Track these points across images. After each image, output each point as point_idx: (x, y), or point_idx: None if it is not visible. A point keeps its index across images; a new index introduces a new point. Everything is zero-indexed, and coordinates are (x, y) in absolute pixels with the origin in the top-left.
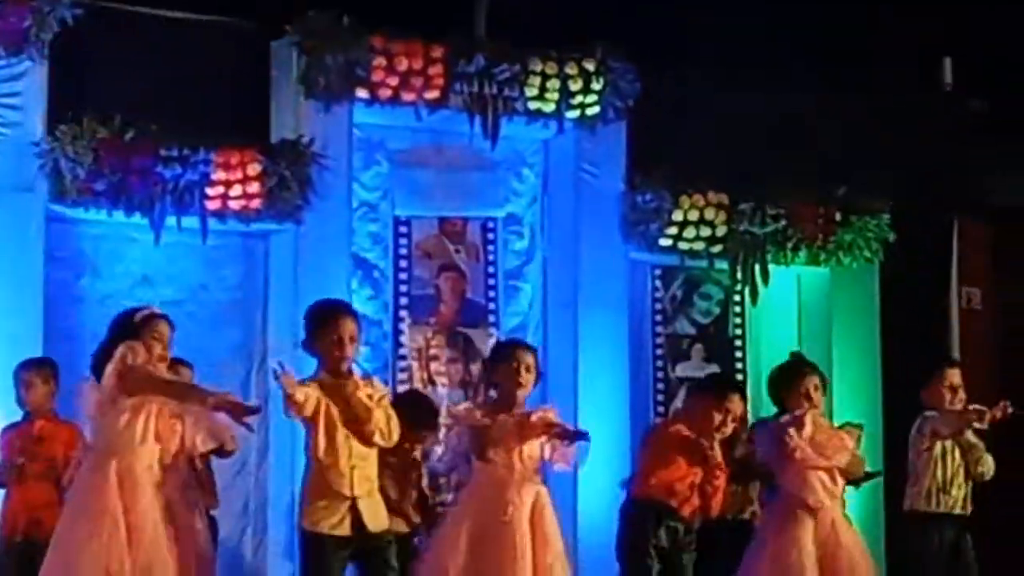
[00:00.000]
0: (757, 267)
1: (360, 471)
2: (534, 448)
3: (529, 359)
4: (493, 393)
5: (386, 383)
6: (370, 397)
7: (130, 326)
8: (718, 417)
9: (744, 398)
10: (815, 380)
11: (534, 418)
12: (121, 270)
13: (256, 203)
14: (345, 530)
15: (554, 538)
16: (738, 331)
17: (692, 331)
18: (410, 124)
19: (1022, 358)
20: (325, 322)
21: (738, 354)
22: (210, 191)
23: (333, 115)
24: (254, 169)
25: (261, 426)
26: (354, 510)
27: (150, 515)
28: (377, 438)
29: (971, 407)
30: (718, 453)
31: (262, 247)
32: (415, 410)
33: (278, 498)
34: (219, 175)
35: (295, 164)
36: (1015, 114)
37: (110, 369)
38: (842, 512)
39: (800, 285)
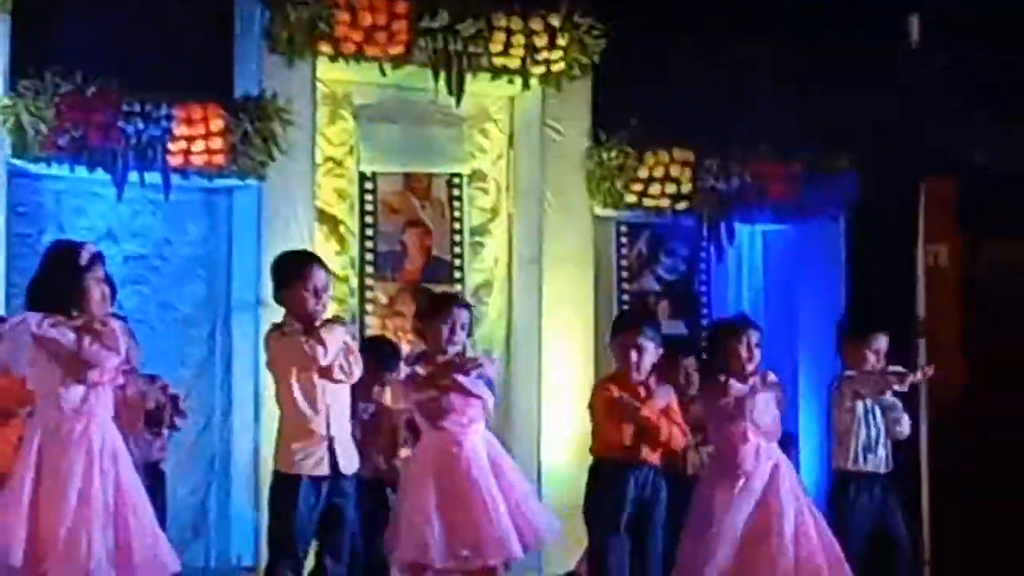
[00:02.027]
0: (723, 224)
1: (334, 410)
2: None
3: (464, 317)
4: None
5: (354, 338)
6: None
7: (75, 266)
8: (633, 355)
9: (654, 328)
10: (755, 336)
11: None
12: (84, 225)
13: (219, 159)
14: (324, 470)
15: (518, 478)
16: (703, 288)
17: (658, 288)
18: (375, 79)
19: (987, 316)
20: (297, 273)
21: (703, 311)
22: (172, 146)
23: (297, 70)
24: (217, 124)
25: (224, 382)
26: (331, 450)
27: (73, 478)
28: (337, 374)
29: (892, 369)
30: (653, 402)
31: (225, 203)
32: (378, 354)
33: (241, 454)
34: (181, 130)
35: (258, 119)
36: (982, 71)
37: (30, 331)
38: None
39: (766, 243)
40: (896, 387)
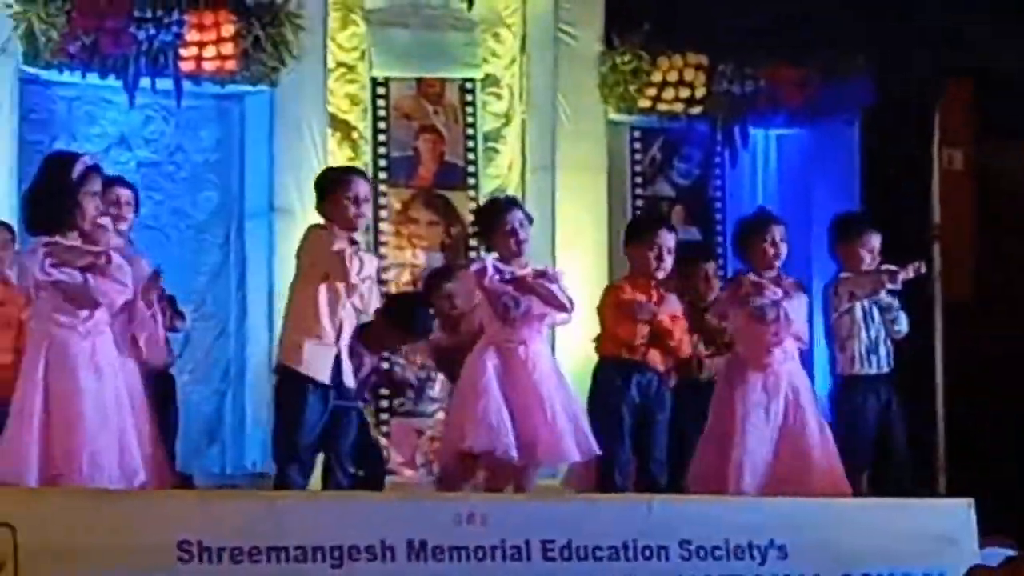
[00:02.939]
0: (736, 129)
1: (346, 326)
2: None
3: (522, 215)
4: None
5: (367, 246)
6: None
7: (66, 181)
8: (652, 257)
9: (672, 231)
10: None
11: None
12: (96, 132)
13: (230, 64)
14: (327, 378)
15: (573, 393)
16: (718, 193)
17: (672, 193)
18: None
19: (1001, 220)
20: (339, 183)
21: (718, 216)
22: (184, 52)
23: None
24: (228, 30)
25: (239, 290)
26: (337, 361)
27: (87, 398)
28: (355, 298)
29: (884, 267)
30: (666, 307)
31: (238, 109)
32: (411, 320)
33: (256, 360)
34: (193, 36)
35: (270, 25)
36: None
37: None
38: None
39: (780, 147)
40: (889, 285)
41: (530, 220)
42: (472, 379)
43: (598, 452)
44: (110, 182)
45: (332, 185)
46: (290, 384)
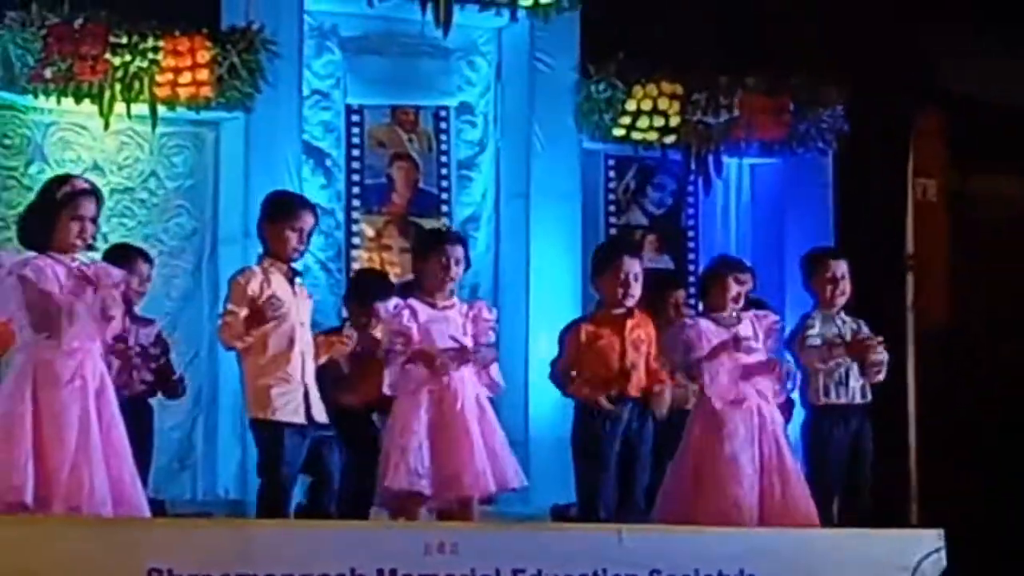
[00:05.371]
0: (710, 158)
1: (309, 357)
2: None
3: (459, 252)
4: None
5: (340, 272)
6: None
7: (50, 201)
8: (618, 285)
9: (636, 256)
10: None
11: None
12: (70, 158)
13: (206, 91)
14: (301, 417)
15: (496, 423)
16: (691, 222)
17: (645, 222)
18: (362, 11)
19: (975, 249)
20: (287, 212)
21: (691, 244)
22: (159, 78)
23: (284, 1)
24: (203, 57)
25: (211, 316)
26: (306, 398)
27: (71, 416)
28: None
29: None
30: (636, 335)
31: (212, 135)
32: (375, 288)
33: (227, 387)
34: (168, 62)
35: (245, 51)
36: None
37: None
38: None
39: (754, 176)
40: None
41: (467, 266)
42: (394, 414)
43: (524, 484)
44: (135, 256)
45: (280, 212)
46: (266, 433)
